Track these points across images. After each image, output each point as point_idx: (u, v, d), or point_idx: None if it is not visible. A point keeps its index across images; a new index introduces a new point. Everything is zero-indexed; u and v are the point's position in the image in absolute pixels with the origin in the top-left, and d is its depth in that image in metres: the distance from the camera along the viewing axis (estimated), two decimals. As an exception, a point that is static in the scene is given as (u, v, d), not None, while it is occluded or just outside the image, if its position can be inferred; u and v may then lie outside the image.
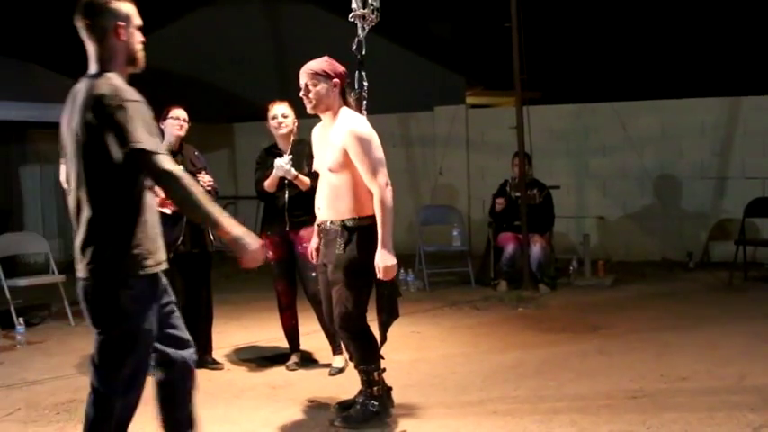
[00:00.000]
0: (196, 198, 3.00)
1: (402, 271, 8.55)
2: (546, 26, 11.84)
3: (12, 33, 12.37)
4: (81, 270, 3.07)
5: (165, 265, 3.17)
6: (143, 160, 2.94)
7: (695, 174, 9.94)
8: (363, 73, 4.70)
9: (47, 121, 9.18)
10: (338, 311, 4.22)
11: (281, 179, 5.37)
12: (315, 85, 4.23)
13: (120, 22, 3.09)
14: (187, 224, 5.44)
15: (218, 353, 5.88)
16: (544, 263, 8.31)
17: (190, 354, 3.35)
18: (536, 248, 8.24)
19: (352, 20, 4.82)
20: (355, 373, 4.45)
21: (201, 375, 5.46)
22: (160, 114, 5.60)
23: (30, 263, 9.85)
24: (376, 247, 4.14)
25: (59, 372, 5.68)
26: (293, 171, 5.29)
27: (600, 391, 4.84)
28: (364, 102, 4.67)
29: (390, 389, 4.47)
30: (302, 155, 5.39)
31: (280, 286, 5.60)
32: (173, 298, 3.30)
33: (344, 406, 4.50)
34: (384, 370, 4.41)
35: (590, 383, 5.02)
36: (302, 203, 5.30)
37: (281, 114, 5.47)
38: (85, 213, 3.04)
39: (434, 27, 14.20)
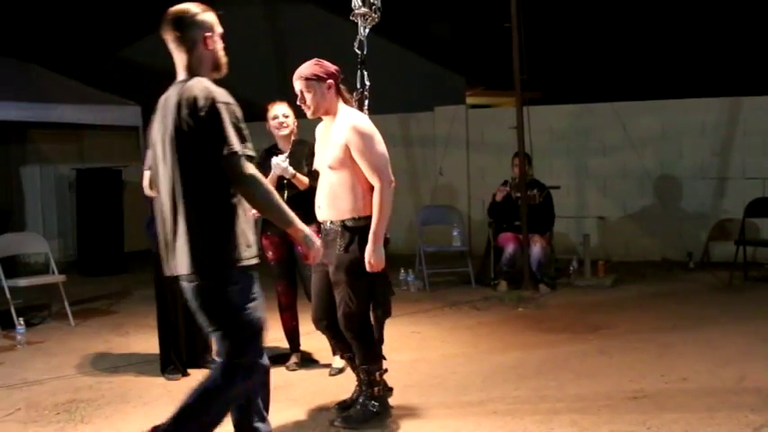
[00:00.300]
0: (274, 200, 3.23)
1: (402, 271, 8.55)
2: (546, 26, 11.84)
3: (11, 33, 12.36)
4: (185, 268, 3.20)
5: (257, 259, 3.32)
6: (231, 162, 3.11)
7: (695, 174, 9.94)
8: (365, 72, 4.68)
9: (47, 121, 9.22)
10: (341, 312, 4.22)
11: (281, 179, 5.36)
12: (309, 91, 4.22)
13: (207, 33, 3.32)
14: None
15: (218, 353, 5.88)
16: (544, 263, 8.31)
17: (267, 362, 3.49)
18: (536, 248, 8.24)
19: (353, 19, 4.80)
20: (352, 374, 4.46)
21: (201, 375, 5.48)
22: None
23: (30, 263, 9.87)
24: None
25: (59, 372, 5.68)
26: (290, 169, 5.28)
27: (600, 392, 4.84)
28: (366, 101, 4.65)
29: (391, 389, 4.48)
30: (302, 155, 5.39)
31: (280, 287, 5.60)
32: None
33: (344, 406, 4.50)
34: (386, 371, 4.41)
35: (590, 384, 5.02)
36: (302, 203, 5.27)
37: (281, 114, 5.46)
38: (183, 214, 3.19)
39: (434, 27, 14.21)
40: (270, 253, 5.54)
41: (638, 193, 10.19)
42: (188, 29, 3.29)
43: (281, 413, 4.62)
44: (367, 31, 4.82)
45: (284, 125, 5.46)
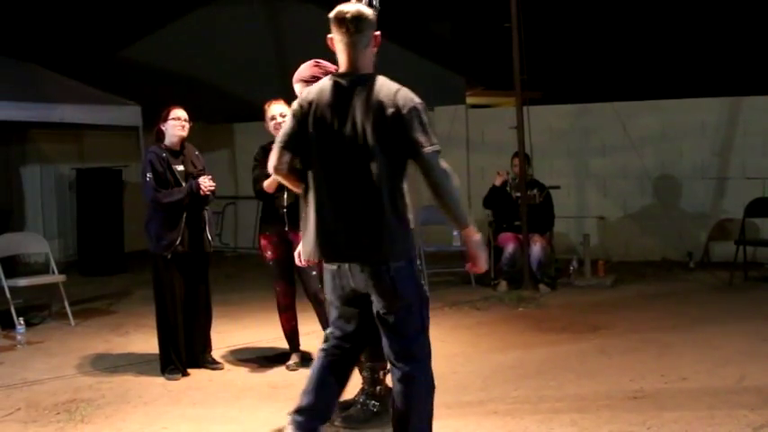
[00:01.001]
0: (458, 196, 3.47)
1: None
2: (546, 26, 11.83)
3: (11, 33, 12.36)
4: (378, 252, 3.39)
5: None
6: (433, 158, 3.39)
7: (695, 174, 9.94)
8: None
9: (47, 121, 9.21)
10: None
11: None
12: None
13: (377, 33, 3.52)
14: (186, 225, 5.44)
15: (218, 353, 5.88)
16: (544, 263, 8.31)
17: None
18: (536, 248, 8.24)
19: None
20: (355, 373, 4.45)
21: (201, 375, 5.50)
22: (160, 114, 5.60)
23: (30, 263, 9.86)
24: None
25: (59, 372, 5.68)
26: None
27: (600, 391, 4.84)
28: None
29: (392, 390, 4.47)
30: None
31: (279, 287, 5.60)
32: None
33: (344, 406, 4.49)
34: (389, 371, 4.40)
35: (590, 383, 5.02)
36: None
37: (279, 114, 5.44)
38: (377, 202, 3.38)
39: (434, 27, 14.19)
40: (269, 253, 5.54)
41: (638, 193, 10.18)
42: (367, 28, 3.47)
43: (282, 413, 4.61)
44: None
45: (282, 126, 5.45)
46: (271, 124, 5.46)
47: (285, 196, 5.40)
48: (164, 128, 5.53)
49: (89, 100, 9.39)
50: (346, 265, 3.46)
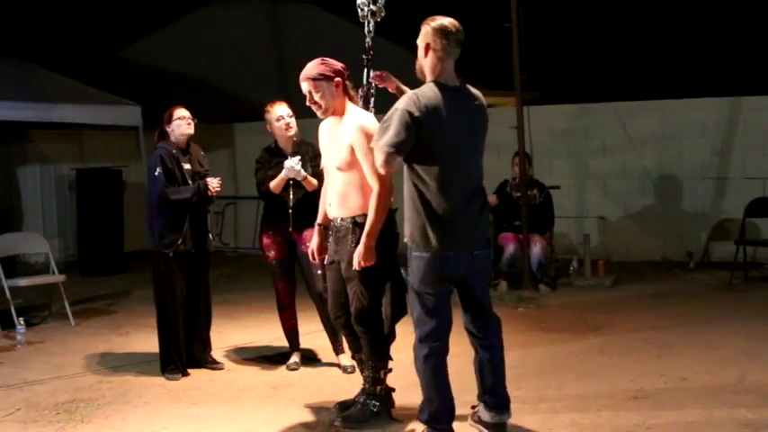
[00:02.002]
0: None
1: (402, 271, 8.52)
2: (546, 26, 11.83)
3: (12, 33, 12.37)
4: (485, 241, 3.98)
5: None
6: None
7: (695, 174, 9.93)
8: (371, 71, 4.63)
9: (47, 121, 9.22)
10: (355, 307, 4.23)
11: (288, 180, 5.36)
12: (318, 91, 4.22)
13: None
14: (188, 224, 5.44)
15: (218, 353, 5.89)
16: (544, 263, 8.30)
17: None
18: (536, 248, 8.24)
19: (362, 12, 4.66)
20: (356, 373, 4.45)
21: (201, 375, 5.50)
22: (162, 117, 5.60)
23: (30, 263, 9.87)
24: (387, 243, 4.16)
25: (59, 372, 5.68)
26: (303, 172, 5.29)
27: (600, 391, 4.84)
28: (372, 99, 4.63)
29: (393, 390, 4.48)
30: (305, 156, 5.39)
31: (280, 286, 5.60)
32: None
33: (344, 406, 4.50)
34: (391, 370, 4.42)
35: (590, 383, 5.02)
36: (307, 204, 5.31)
37: (287, 115, 5.45)
38: (482, 196, 3.92)
39: (434, 27, 14.18)
40: (272, 252, 5.54)
41: (638, 193, 10.18)
42: (462, 41, 3.84)
43: (282, 413, 4.64)
44: (373, 31, 4.77)
45: (291, 125, 5.46)
46: (279, 124, 5.44)
47: (291, 196, 5.41)
48: (169, 129, 5.53)
49: (89, 100, 9.40)
50: (450, 253, 3.76)
